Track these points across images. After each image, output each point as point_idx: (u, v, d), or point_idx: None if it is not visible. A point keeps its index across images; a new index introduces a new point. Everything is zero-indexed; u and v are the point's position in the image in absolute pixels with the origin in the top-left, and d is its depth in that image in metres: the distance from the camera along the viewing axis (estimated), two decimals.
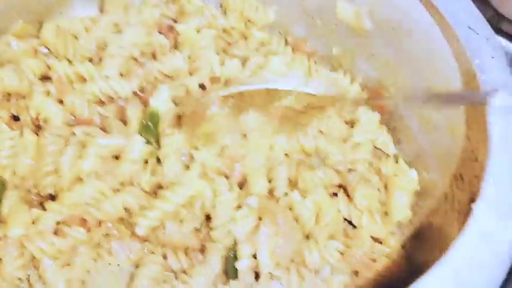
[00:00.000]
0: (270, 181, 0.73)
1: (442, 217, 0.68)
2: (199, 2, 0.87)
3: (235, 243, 0.69)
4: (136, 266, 0.70)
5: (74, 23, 0.81)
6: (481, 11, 0.66)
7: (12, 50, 0.77)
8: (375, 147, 0.79)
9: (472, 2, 0.67)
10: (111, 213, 0.67)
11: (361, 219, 0.71)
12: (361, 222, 0.71)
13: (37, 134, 0.71)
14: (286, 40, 0.89)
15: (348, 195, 0.73)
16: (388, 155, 0.77)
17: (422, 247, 0.71)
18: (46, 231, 0.65)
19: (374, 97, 0.81)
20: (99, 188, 0.67)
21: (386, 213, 0.73)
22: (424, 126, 0.74)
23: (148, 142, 0.71)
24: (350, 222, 0.74)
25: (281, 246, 0.68)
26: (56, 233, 0.66)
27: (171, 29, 0.86)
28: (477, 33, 0.61)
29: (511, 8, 0.92)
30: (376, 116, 0.77)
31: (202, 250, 0.70)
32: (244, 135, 0.75)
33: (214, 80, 0.81)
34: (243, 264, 0.67)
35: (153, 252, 0.70)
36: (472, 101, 0.57)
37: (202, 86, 0.80)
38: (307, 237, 0.71)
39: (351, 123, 0.79)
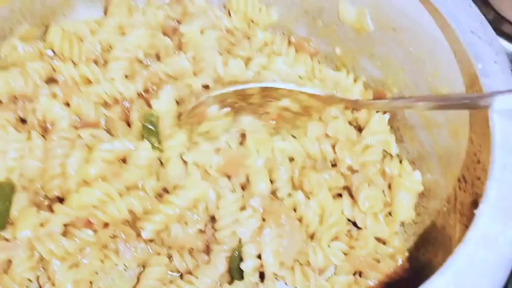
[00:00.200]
0: (272, 182, 0.74)
1: (444, 218, 0.68)
2: (202, 3, 0.87)
3: (239, 244, 0.70)
4: (143, 267, 0.71)
5: (78, 26, 0.82)
6: (482, 12, 0.66)
7: (18, 53, 0.78)
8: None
9: (474, 5, 0.67)
10: (117, 216, 0.68)
11: (365, 220, 0.72)
12: (365, 223, 0.72)
13: (44, 137, 0.72)
14: (289, 40, 0.89)
15: (352, 197, 0.73)
16: (392, 156, 0.77)
17: (425, 247, 0.71)
18: (54, 233, 0.66)
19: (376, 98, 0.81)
20: (106, 191, 0.67)
21: (390, 214, 0.74)
22: (427, 127, 0.74)
23: (153, 146, 0.72)
24: (354, 223, 0.74)
25: (285, 246, 0.69)
26: (63, 234, 0.67)
27: (175, 30, 0.86)
28: (480, 37, 0.61)
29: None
30: (385, 118, 0.77)
31: (207, 251, 0.71)
32: (243, 135, 0.76)
33: (218, 80, 0.82)
34: (248, 265, 0.68)
35: (158, 254, 0.71)
36: (474, 104, 0.58)
37: (206, 87, 0.81)
38: (311, 237, 0.72)
39: (358, 126, 0.79)
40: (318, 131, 0.77)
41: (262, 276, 0.70)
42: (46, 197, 0.70)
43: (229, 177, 0.74)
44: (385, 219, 0.73)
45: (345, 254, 0.71)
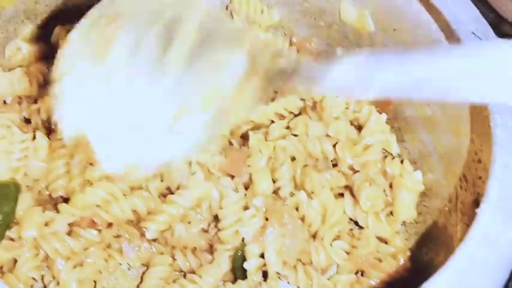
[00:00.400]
0: (274, 182, 0.75)
1: (446, 217, 0.69)
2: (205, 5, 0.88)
3: (242, 243, 0.70)
4: (146, 267, 0.71)
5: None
6: (482, 13, 0.67)
7: (22, 54, 0.78)
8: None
9: (474, 6, 0.68)
10: (120, 216, 0.69)
11: (366, 219, 0.73)
12: (367, 222, 0.73)
13: (48, 137, 0.73)
14: (290, 41, 0.90)
15: (353, 196, 0.74)
16: (393, 156, 0.78)
17: (427, 246, 0.72)
18: (60, 232, 0.66)
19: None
20: (110, 191, 0.68)
21: (391, 214, 0.74)
22: (428, 127, 0.75)
23: None
24: (356, 223, 0.75)
25: (288, 246, 0.70)
26: (68, 234, 0.68)
27: None
28: (480, 39, 0.62)
29: None
30: (383, 117, 0.78)
31: (210, 250, 0.72)
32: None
33: None
34: (251, 264, 0.69)
35: (162, 253, 0.72)
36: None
37: None
38: (314, 237, 0.73)
39: (358, 126, 0.80)
40: (319, 131, 0.77)
41: (265, 275, 0.70)
42: (50, 196, 0.71)
43: (232, 176, 0.75)
44: (386, 219, 0.73)
45: (347, 253, 0.72)
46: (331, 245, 0.72)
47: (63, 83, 0.55)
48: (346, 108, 0.79)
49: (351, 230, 0.75)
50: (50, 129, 0.74)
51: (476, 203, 0.56)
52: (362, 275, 0.72)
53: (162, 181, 0.72)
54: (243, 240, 0.70)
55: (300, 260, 0.72)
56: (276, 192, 0.74)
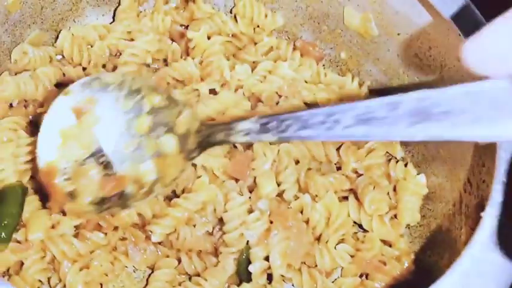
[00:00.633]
0: (278, 185, 0.75)
1: (450, 220, 0.69)
2: (209, 9, 0.88)
3: (247, 246, 0.71)
4: (152, 269, 0.72)
5: (88, 31, 0.83)
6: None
7: (28, 58, 0.79)
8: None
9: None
10: (126, 219, 0.69)
11: (371, 223, 0.73)
12: (371, 225, 0.73)
13: None
14: (294, 45, 0.90)
15: (357, 199, 0.74)
16: (397, 159, 0.78)
17: (431, 249, 0.72)
18: (66, 235, 0.67)
19: None
20: None
21: (395, 217, 0.74)
22: None
23: None
24: (360, 226, 0.75)
25: (292, 248, 0.70)
26: (75, 236, 0.68)
27: (182, 35, 0.87)
28: None
29: None
30: None
31: (215, 253, 0.72)
32: None
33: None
34: (255, 267, 0.69)
35: (167, 256, 0.72)
36: None
37: (213, 91, 0.82)
38: (318, 240, 0.73)
39: None
40: None
41: (270, 278, 0.71)
42: None
43: (236, 180, 0.75)
44: (390, 222, 0.73)
45: (352, 256, 0.72)
46: (335, 248, 0.72)
47: (48, 121, 0.64)
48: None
49: (355, 233, 0.75)
50: None
51: (481, 207, 0.56)
52: (366, 278, 0.72)
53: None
54: (247, 243, 0.71)
55: (305, 263, 0.72)
56: (280, 195, 0.74)
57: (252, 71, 0.84)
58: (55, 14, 0.83)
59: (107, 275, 0.69)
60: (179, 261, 0.72)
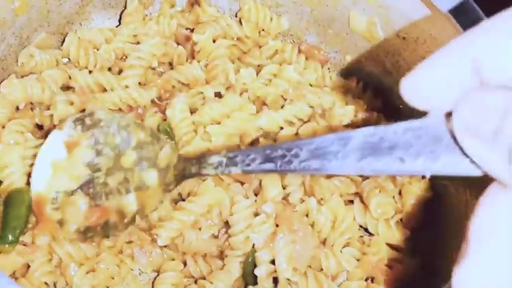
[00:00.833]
0: (284, 188, 0.75)
1: (456, 224, 0.69)
2: (214, 12, 0.89)
3: (253, 249, 0.71)
4: (157, 272, 0.72)
5: (94, 34, 0.84)
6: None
7: (35, 61, 0.79)
8: None
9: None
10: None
11: (377, 226, 0.73)
12: (377, 229, 0.73)
13: None
14: (299, 48, 0.90)
15: (363, 203, 0.74)
16: None
17: (437, 253, 0.72)
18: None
19: None
20: None
21: (401, 220, 0.74)
22: None
23: None
24: (366, 229, 0.75)
25: (298, 252, 0.70)
26: None
27: (187, 38, 0.87)
28: None
29: None
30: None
31: (221, 256, 0.72)
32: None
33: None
34: (261, 270, 0.69)
35: (173, 259, 0.72)
36: None
37: (218, 94, 0.82)
38: (324, 243, 0.73)
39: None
40: None
41: (275, 281, 0.71)
42: None
43: (242, 183, 0.75)
44: (396, 226, 0.73)
45: (357, 259, 0.72)
46: (341, 252, 0.72)
47: (42, 153, 0.68)
48: (355, 116, 0.80)
49: (361, 236, 0.75)
50: None
51: None
52: (372, 281, 0.72)
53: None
54: (253, 246, 0.71)
55: (310, 267, 0.72)
56: (285, 198, 0.75)
57: (257, 74, 0.84)
58: (61, 18, 0.83)
59: (113, 278, 0.69)
60: (185, 264, 0.72)
